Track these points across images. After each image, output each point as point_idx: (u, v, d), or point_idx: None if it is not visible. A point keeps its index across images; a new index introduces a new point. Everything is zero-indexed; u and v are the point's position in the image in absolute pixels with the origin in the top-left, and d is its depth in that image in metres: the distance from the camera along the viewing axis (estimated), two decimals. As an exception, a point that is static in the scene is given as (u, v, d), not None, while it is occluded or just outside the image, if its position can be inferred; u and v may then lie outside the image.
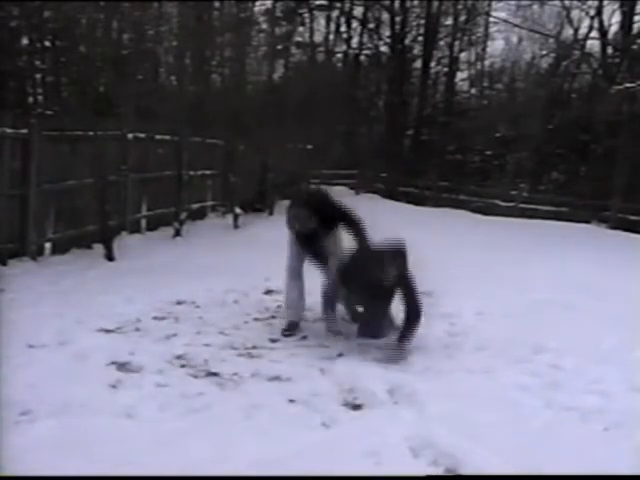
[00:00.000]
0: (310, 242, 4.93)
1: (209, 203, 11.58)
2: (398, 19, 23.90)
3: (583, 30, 21.47)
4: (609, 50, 19.86)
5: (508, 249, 9.69)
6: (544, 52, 23.75)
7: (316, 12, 24.74)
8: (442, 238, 10.24)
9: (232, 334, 4.70)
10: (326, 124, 16.07)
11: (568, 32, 22.29)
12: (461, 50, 25.44)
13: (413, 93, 25.11)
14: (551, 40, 22.68)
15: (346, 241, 5.01)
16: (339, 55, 26.12)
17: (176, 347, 4.27)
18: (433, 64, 24.72)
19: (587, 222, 15.51)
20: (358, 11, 25.35)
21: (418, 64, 24.69)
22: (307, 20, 24.58)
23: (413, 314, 4.43)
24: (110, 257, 7.30)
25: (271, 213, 12.98)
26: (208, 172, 11.32)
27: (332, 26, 25.64)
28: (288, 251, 5.13)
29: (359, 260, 4.62)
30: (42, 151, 6.70)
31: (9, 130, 6.33)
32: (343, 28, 25.78)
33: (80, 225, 7.49)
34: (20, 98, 13.21)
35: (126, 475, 2.65)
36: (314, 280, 5.03)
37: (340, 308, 4.98)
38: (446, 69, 25.22)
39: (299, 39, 24.05)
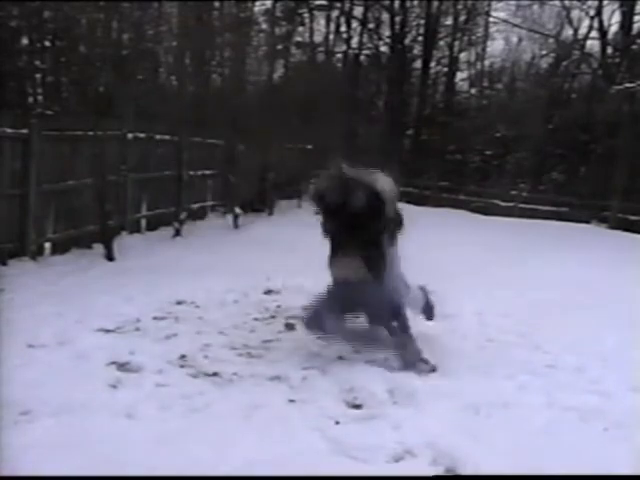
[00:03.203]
0: None
1: (209, 203, 11.58)
2: (398, 19, 23.90)
3: (583, 30, 21.47)
4: (609, 50, 19.86)
5: (508, 249, 9.69)
6: (544, 52, 23.75)
7: (316, 12, 24.71)
8: (442, 238, 10.24)
9: (232, 334, 4.70)
10: (326, 124, 16.06)
11: (568, 32, 22.30)
12: (461, 50, 25.43)
13: (413, 93, 25.11)
14: (551, 40, 22.68)
15: None
16: (339, 55, 26.10)
17: (176, 347, 4.27)
18: (433, 64, 24.70)
19: (587, 222, 15.54)
20: (358, 11, 25.33)
21: (418, 64, 24.69)
22: (307, 20, 24.57)
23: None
24: (110, 257, 7.30)
25: (271, 213, 12.98)
26: (208, 172, 11.32)
27: (332, 26, 25.61)
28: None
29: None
30: (42, 151, 6.71)
31: (9, 130, 6.34)
32: (343, 28, 25.75)
33: (80, 225, 7.49)
34: (20, 98, 13.18)
35: (126, 475, 2.65)
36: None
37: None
38: (446, 69, 25.21)
39: (299, 39, 24.02)
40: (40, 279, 5.96)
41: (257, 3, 18.73)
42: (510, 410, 3.51)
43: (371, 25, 25.49)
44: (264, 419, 3.25)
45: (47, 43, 13.41)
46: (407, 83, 24.68)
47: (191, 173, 10.44)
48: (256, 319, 5.17)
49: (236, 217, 10.68)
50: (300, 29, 24.17)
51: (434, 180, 20.44)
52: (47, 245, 7.08)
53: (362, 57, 25.88)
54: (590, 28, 20.60)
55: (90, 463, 2.70)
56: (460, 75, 26.00)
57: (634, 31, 18.49)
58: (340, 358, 4.28)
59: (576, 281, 7.22)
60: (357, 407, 3.52)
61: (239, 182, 11.52)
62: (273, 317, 5.27)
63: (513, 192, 19.11)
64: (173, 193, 9.92)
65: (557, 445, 3.10)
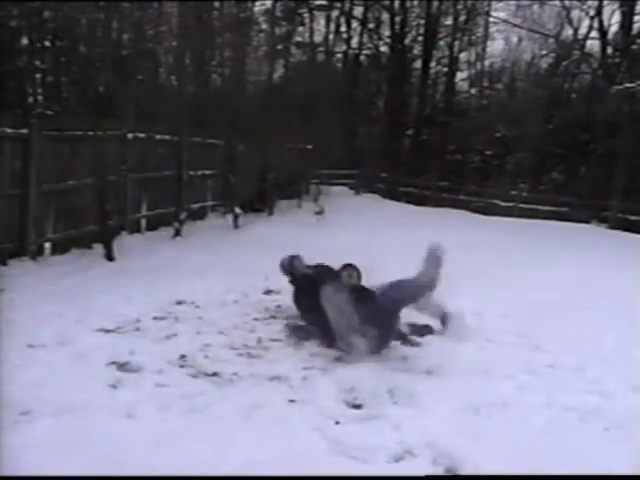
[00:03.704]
0: None
1: (209, 203, 11.58)
2: (398, 19, 23.92)
3: (583, 30, 21.52)
4: (609, 50, 19.88)
5: (508, 249, 9.69)
6: (544, 52, 23.78)
7: (316, 12, 24.76)
8: (442, 238, 10.20)
9: (232, 334, 4.70)
10: (326, 124, 16.07)
11: (568, 32, 22.34)
12: (461, 50, 25.46)
13: (413, 93, 25.13)
14: (551, 40, 22.71)
15: None
16: (339, 55, 26.13)
17: (176, 347, 4.27)
18: (433, 64, 24.74)
19: (587, 222, 15.55)
20: (358, 11, 25.38)
21: (418, 64, 24.71)
22: (307, 20, 24.59)
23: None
24: (110, 257, 7.30)
25: (271, 213, 12.98)
26: (208, 172, 11.32)
27: (332, 26, 25.68)
28: None
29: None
30: (42, 151, 6.70)
31: (9, 130, 6.33)
32: (343, 28, 25.80)
33: (80, 225, 7.49)
34: (20, 98, 13.19)
35: (126, 475, 2.65)
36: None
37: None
38: (446, 69, 25.23)
39: (299, 39, 24.07)
40: (40, 279, 5.96)
41: (257, 3, 18.77)
42: (510, 410, 3.51)
43: (371, 25, 25.53)
44: (264, 419, 3.25)
45: (47, 43, 13.42)
46: (407, 83, 24.70)
47: (191, 173, 10.44)
48: (256, 319, 5.17)
49: (236, 217, 10.68)
50: (300, 29, 24.22)
51: (434, 180, 20.46)
52: (47, 245, 7.07)
53: (362, 57, 25.92)
54: (590, 28, 20.64)
55: (90, 463, 2.70)
56: (460, 75, 26.07)
57: (634, 31, 18.51)
58: (340, 358, 4.28)
59: (576, 281, 7.22)
60: (357, 407, 3.52)
61: (239, 182, 11.52)
62: (273, 317, 5.27)
63: (513, 192, 19.13)
64: (173, 193, 9.92)
65: (557, 445, 3.10)
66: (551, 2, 21.58)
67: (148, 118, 10.25)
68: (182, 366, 3.97)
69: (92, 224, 7.55)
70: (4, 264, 6.21)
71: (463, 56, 25.83)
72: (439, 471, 2.85)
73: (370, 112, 26.32)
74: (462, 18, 24.54)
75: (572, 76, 22.93)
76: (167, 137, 9.72)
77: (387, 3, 24.32)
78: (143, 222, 9.21)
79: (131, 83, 10.17)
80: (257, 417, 3.28)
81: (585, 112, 19.90)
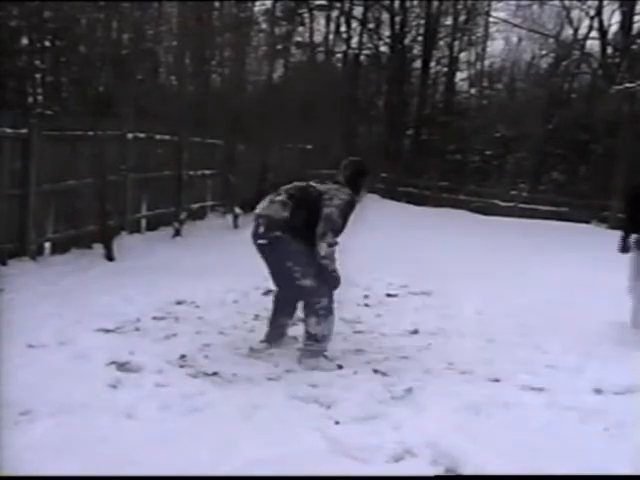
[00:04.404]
0: None
1: (209, 203, 11.58)
2: (398, 19, 23.90)
3: (583, 30, 21.47)
4: (609, 50, 19.87)
5: (508, 249, 9.69)
6: (544, 52, 23.74)
7: (316, 12, 24.72)
8: (442, 238, 10.24)
9: (232, 334, 4.71)
10: (326, 124, 16.07)
11: (568, 32, 22.29)
12: (461, 50, 25.41)
13: (413, 93, 25.09)
14: (551, 40, 22.67)
15: None
16: (339, 55, 26.10)
17: (176, 347, 4.27)
18: (433, 64, 24.70)
19: (587, 222, 15.55)
20: (358, 11, 25.33)
21: (418, 64, 24.68)
22: (307, 20, 24.57)
23: None
24: (110, 257, 7.30)
25: (271, 213, 12.97)
26: (208, 172, 11.32)
27: (332, 26, 25.62)
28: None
29: None
30: (42, 151, 6.71)
31: (9, 130, 6.33)
32: (343, 28, 25.76)
33: (80, 225, 7.49)
34: (20, 98, 13.18)
35: (126, 475, 2.65)
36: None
37: None
38: (446, 69, 25.21)
39: (299, 39, 24.04)
40: (40, 279, 5.96)
41: (257, 3, 18.73)
42: (510, 410, 3.51)
43: (371, 25, 25.49)
44: (264, 419, 3.25)
45: (47, 43, 13.41)
46: (407, 83, 24.66)
47: (191, 173, 10.43)
48: (256, 319, 5.17)
49: (236, 217, 10.68)
50: (300, 29, 24.17)
51: (434, 180, 20.44)
52: (47, 245, 7.08)
53: (362, 57, 25.87)
54: (590, 28, 20.61)
55: (90, 463, 2.70)
56: (460, 75, 26.00)
57: (634, 31, 18.49)
58: (340, 358, 4.28)
59: (576, 281, 7.22)
60: (357, 407, 3.51)
61: (239, 182, 11.52)
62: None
63: (513, 192, 19.12)
64: (173, 193, 9.92)
65: (557, 445, 3.10)
66: (551, 2, 21.56)
67: (148, 118, 10.25)
68: (182, 366, 3.97)
69: (92, 224, 7.56)
70: (4, 264, 6.21)
71: (463, 56, 25.80)
72: (439, 471, 2.85)
73: (370, 112, 26.29)
74: (462, 18, 24.51)
75: (572, 76, 22.91)
76: (167, 137, 9.73)
77: (387, 3, 24.29)
78: (143, 222, 9.21)
79: (131, 83, 10.18)
80: (257, 417, 3.28)
81: (585, 112, 19.89)
